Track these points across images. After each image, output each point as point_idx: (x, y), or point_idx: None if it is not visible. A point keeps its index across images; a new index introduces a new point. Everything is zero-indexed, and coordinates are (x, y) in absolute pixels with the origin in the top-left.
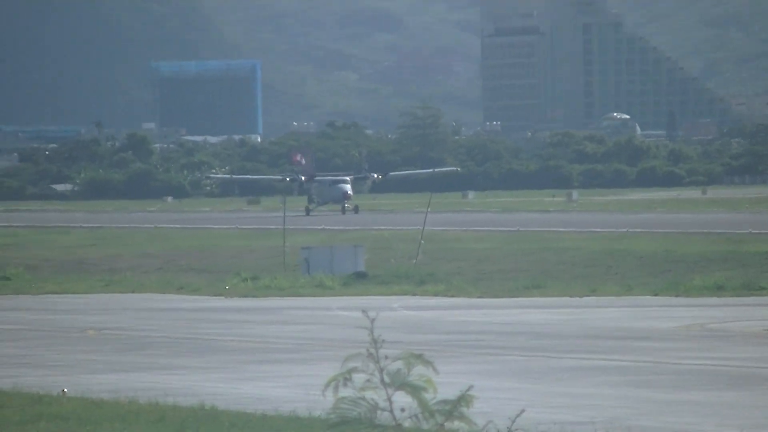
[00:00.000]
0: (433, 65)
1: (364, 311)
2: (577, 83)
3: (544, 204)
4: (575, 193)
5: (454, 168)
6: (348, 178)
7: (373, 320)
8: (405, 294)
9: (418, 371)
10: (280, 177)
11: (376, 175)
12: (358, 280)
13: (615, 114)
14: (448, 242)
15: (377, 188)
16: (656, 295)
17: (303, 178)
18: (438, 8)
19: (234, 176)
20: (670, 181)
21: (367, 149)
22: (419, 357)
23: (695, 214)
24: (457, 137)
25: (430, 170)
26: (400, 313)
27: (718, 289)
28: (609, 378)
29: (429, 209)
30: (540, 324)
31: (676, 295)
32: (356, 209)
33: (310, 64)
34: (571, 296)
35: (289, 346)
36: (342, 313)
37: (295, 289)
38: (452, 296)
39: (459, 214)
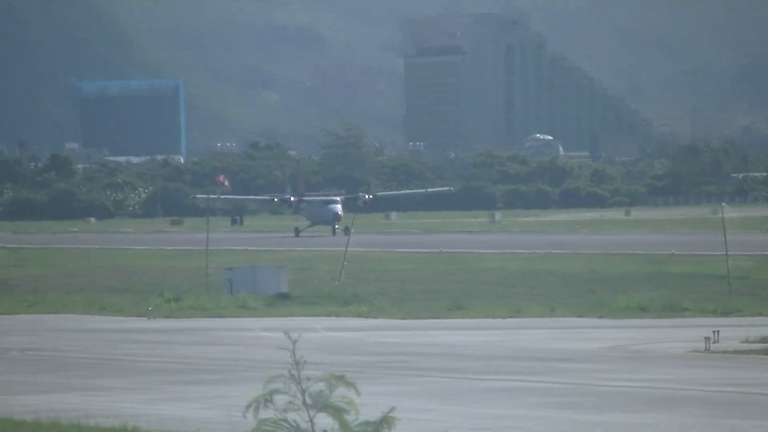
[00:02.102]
0: (356, 85)
1: (286, 332)
2: (500, 103)
3: (467, 225)
4: (498, 214)
5: (449, 188)
6: (339, 198)
7: (295, 341)
8: (328, 315)
9: (341, 393)
10: (268, 197)
11: (366, 195)
12: (281, 301)
13: (538, 134)
14: (371, 263)
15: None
16: (580, 316)
17: (292, 198)
18: (361, 28)
19: (220, 197)
20: (593, 201)
21: (291, 170)
22: (341, 378)
23: (618, 235)
24: (379, 157)
25: (423, 190)
26: (323, 334)
27: (642, 310)
28: (532, 399)
29: (352, 230)
30: (463, 345)
31: (600, 316)
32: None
33: (233, 83)
34: (494, 317)
35: (211, 367)
36: (264, 334)
37: (218, 309)
38: (375, 317)
39: (382, 235)
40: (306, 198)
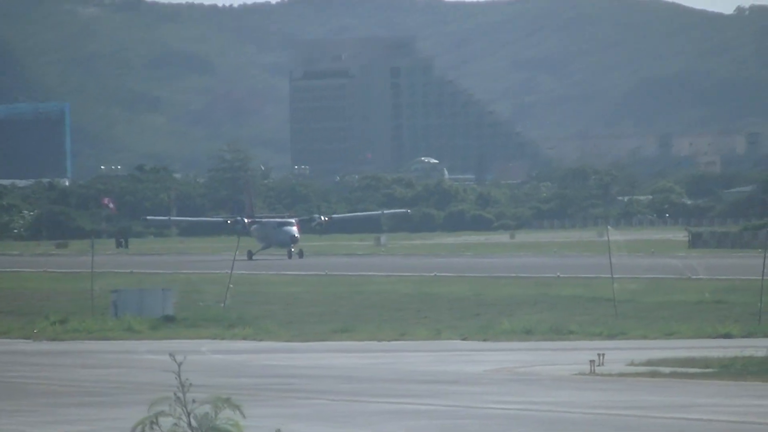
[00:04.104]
0: (243, 108)
1: (171, 355)
2: (387, 126)
3: (353, 248)
4: (384, 237)
5: (405, 210)
6: (294, 220)
7: (180, 364)
8: (214, 337)
9: (226, 415)
10: (221, 219)
11: (323, 217)
12: (167, 324)
13: (423, 158)
14: (258, 285)
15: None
16: (465, 338)
17: (246, 220)
18: (248, 51)
19: (171, 218)
20: (478, 224)
21: (176, 192)
22: (227, 400)
23: (504, 258)
24: (265, 181)
25: (379, 212)
26: (209, 356)
27: (527, 333)
28: (418, 422)
29: (237, 253)
30: (349, 368)
31: (485, 339)
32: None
33: (120, 106)
34: (380, 340)
35: (97, 390)
36: (150, 356)
37: (104, 332)
38: (261, 340)
39: (268, 258)
40: (259, 220)
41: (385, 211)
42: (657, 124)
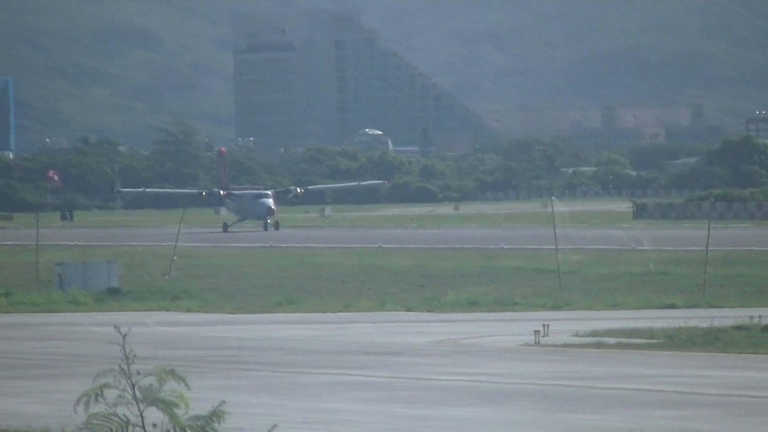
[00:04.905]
0: (188, 82)
1: (116, 327)
2: (331, 99)
3: (298, 220)
4: (328, 209)
5: (382, 181)
6: (270, 192)
7: (125, 336)
8: (159, 310)
9: (171, 387)
10: (196, 191)
11: (298, 189)
12: (112, 296)
13: (367, 129)
14: (202, 258)
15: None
16: (409, 310)
17: (222, 192)
18: (193, 25)
19: (146, 190)
20: (423, 196)
21: (120, 165)
22: (171, 372)
23: (448, 230)
24: (210, 153)
25: (356, 182)
26: (154, 328)
27: (472, 305)
28: (363, 393)
29: (182, 225)
30: (293, 339)
31: (430, 311)
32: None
33: (64, 80)
34: (324, 312)
35: (42, 362)
36: (95, 328)
37: (49, 304)
38: (206, 312)
39: (212, 230)
40: (235, 192)
41: (361, 182)
42: (601, 97)
